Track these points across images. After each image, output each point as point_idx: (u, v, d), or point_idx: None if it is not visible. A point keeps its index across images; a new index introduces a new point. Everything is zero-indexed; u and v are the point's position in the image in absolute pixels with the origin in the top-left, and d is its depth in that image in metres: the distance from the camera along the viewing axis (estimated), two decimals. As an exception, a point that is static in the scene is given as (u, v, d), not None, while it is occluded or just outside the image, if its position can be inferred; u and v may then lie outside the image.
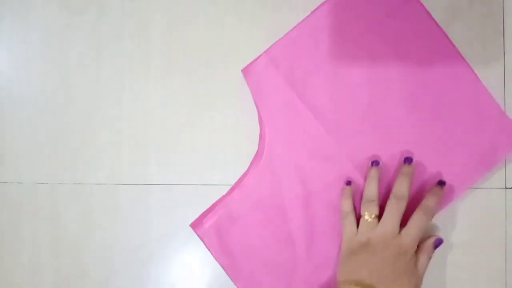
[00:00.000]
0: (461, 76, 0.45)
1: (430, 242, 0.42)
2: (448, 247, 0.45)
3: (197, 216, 0.47)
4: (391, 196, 0.42)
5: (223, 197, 0.47)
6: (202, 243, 0.47)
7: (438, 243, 0.42)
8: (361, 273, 0.40)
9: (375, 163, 0.44)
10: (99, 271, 0.48)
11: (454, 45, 0.45)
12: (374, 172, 0.43)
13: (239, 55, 0.47)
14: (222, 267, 0.46)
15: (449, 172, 0.44)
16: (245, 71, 0.46)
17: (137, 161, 0.48)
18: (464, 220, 0.45)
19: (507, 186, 0.45)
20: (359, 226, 0.43)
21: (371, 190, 0.43)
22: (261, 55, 0.46)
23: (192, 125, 0.48)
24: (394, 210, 0.41)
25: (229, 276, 0.46)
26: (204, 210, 0.47)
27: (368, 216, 0.42)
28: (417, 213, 0.41)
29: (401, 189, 0.42)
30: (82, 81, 0.48)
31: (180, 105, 0.48)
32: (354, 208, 0.44)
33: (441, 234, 0.45)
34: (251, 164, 0.47)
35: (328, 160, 0.45)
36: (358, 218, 0.43)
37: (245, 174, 0.47)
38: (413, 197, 0.44)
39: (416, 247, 0.41)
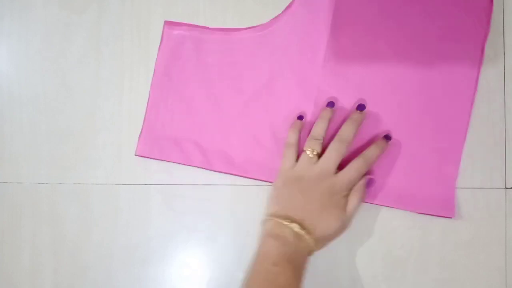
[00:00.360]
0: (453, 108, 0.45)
1: (362, 181, 0.43)
2: (448, 247, 0.45)
3: (197, 216, 0.47)
4: (335, 137, 0.43)
5: (206, 27, 0.47)
6: (202, 243, 0.47)
7: (370, 182, 0.43)
8: (291, 207, 0.42)
9: (330, 104, 0.45)
10: (98, 271, 0.48)
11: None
12: (326, 112, 0.44)
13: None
14: (153, 77, 0.47)
15: (394, 176, 0.45)
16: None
17: (137, 161, 0.48)
18: (464, 220, 0.45)
19: (507, 186, 0.45)
20: (299, 160, 0.43)
21: (319, 129, 0.44)
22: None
23: (192, 125, 0.48)
24: (334, 150, 0.42)
25: (151, 91, 0.47)
26: (204, 210, 0.47)
27: (310, 152, 0.43)
28: (357, 159, 0.43)
29: (346, 133, 0.43)
30: (82, 80, 0.48)
31: (180, 105, 0.48)
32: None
33: (441, 234, 0.45)
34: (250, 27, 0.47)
35: (300, 84, 0.46)
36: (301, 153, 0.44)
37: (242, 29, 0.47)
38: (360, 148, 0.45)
39: (348, 190, 0.42)
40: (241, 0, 0.47)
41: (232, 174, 0.46)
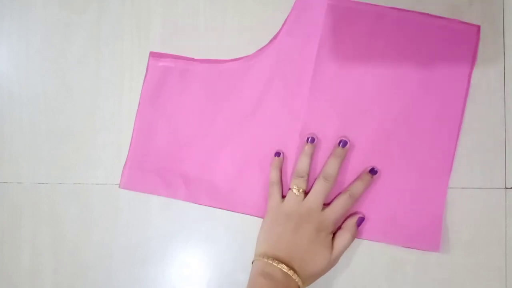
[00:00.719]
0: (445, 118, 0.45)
1: (353, 220, 0.44)
2: (448, 247, 0.45)
3: (198, 216, 0.47)
4: (320, 175, 0.44)
5: (192, 59, 0.47)
6: (202, 243, 0.47)
7: (360, 221, 0.44)
8: (279, 247, 0.42)
9: (311, 139, 0.45)
10: (98, 271, 0.48)
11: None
12: (308, 148, 0.45)
13: (239, 55, 0.47)
14: (138, 108, 0.47)
15: (375, 208, 0.45)
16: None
17: (137, 161, 0.48)
18: (464, 220, 0.45)
19: (507, 186, 0.45)
20: (286, 197, 0.44)
21: (303, 166, 0.44)
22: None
23: (192, 125, 0.48)
24: (320, 188, 0.43)
25: (135, 123, 0.47)
26: (204, 210, 0.47)
27: (296, 190, 0.44)
28: (343, 195, 0.44)
29: (330, 170, 0.44)
30: (82, 80, 0.48)
31: (180, 105, 0.48)
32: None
33: (441, 234, 0.45)
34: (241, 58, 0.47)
35: (285, 115, 0.46)
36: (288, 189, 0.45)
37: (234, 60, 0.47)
38: (346, 179, 0.45)
39: (335, 226, 0.44)
40: (241, 0, 0.47)
41: (218, 208, 0.46)
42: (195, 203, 0.47)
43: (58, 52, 0.49)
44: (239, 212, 0.46)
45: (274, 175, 0.45)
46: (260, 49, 0.46)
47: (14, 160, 0.49)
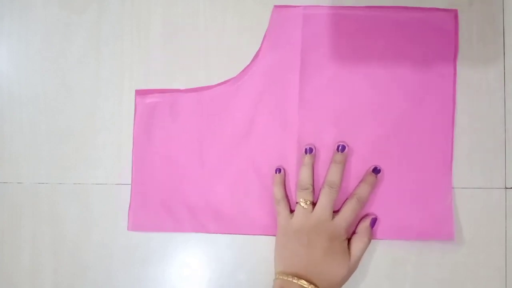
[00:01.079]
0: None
1: (366, 223, 0.44)
2: (448, 247, 0.45)
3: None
4: (324, 184, 0.44)
5: (179, 90, 0.47)
6: (202, 243, 0.47)
7: (373, 222, 0.44)
8: (296, 263, 0.42)
9: (309, 150, 0.45)
10: (98, 271, 0.48)
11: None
12: (307, 159, 0.44)
13: (239, 55, 0.47)
14: (133, 148, 0.47)
15: (383, 208, 0.45)
16: (277, 10, 0.46)
17: (137, 161, 0.48)
18: (464, 220, 0.45)
19: (507, 186, 0.45)
20: (295, 212, 0.44)
21: (305, 177, 0.44)
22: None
23: (192, 125, 0.48)
24: (326, 197, 0.43)
25: (133, 154, 0.47)
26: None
27: (303, 203, 0.43)
28: (350, 200, 0.43)
29: (333, 177, 0.43)
30: (82, 80, 0.48)
31: (180, 105, 0.48)
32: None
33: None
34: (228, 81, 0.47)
35: (280, 129, 0.46)
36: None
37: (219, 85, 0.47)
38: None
39: (348, 232, 0.43)
40: (241, 0, 0.47)
41: (228, 233, 0.46)
42: (205, 232, 0.47)
43: (58, 52, 0.49)
44: (249, 235, 0.46)
45: (278, 192, 0.45)
46: (244, 69, 0.46)
47: (14, 160, 0.49)
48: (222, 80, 0.47)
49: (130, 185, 0.47)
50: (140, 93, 0.47)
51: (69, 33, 0.49)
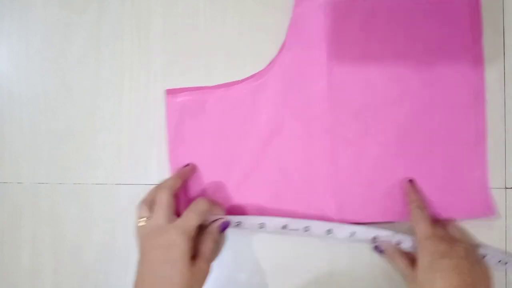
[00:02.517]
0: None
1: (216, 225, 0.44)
2: (448, 247, 0.45)
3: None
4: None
5: (208, 87, 0.47)
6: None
7: (224, 226, 0.44)
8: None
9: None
10: (99, 271, 0.48)
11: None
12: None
13: (239, 55, 0.47)
14: (168, 149, 0.47)
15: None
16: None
17: (137, 161, 0.48)
18: (464, 220, 0.45)
19: (507, 186, 0.45)
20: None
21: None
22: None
23: (192, 125, 0.48)
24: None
25: (169, 150, 0.47)
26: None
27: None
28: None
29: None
30: (82, 80, 0.48)
31: (180, 105, 0.48)
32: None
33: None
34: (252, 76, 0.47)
35: (307, 123, 0.46)
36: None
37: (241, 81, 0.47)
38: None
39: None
40: (241, 0, 0.47)
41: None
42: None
43: (58, 52, 0.49)
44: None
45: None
46: (270, 63, 0.46)
47: (14, 160, 0.49)
48: (222, 80, 0.47)
49: (130, 185, 0.47)
50: (170, 92, 0.47)
51: (69, 33, 0.49)
